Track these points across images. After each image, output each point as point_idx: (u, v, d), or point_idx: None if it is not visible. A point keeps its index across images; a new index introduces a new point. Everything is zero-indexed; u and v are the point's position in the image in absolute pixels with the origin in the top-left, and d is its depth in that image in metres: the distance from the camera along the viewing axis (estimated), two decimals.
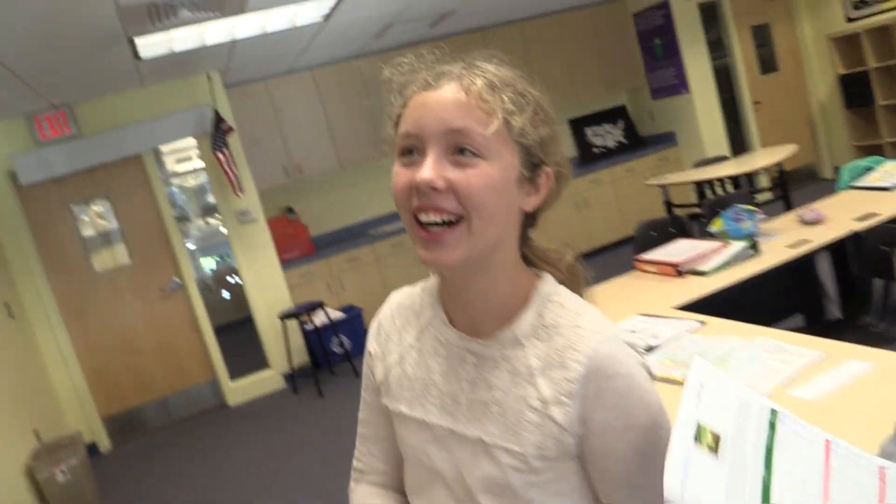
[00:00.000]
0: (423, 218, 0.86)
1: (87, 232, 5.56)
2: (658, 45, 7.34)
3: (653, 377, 0.89)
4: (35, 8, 3.15)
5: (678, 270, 2.89)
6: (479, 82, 0.87)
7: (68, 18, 3.40)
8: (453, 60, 0.92)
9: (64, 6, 3.22)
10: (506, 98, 0.86)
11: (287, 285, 5.96)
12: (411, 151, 0.88)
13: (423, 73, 0.92)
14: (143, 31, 3.90)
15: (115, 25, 3.66)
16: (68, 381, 5.33)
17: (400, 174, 0.89)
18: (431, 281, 1.06)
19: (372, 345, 1.10)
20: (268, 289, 5.87)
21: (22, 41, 3.53)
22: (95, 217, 5.58)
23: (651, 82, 7.60)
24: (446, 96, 0.87)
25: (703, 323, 2.29)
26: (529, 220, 0.96)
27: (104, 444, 5.47)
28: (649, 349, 2.16)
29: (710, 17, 7.32)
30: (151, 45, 4.20)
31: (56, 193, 5.34)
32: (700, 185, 6.06)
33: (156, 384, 5.67)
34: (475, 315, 0.95)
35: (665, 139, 7.59)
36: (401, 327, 1.06)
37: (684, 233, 3.76)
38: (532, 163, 0.89)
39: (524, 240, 0.97)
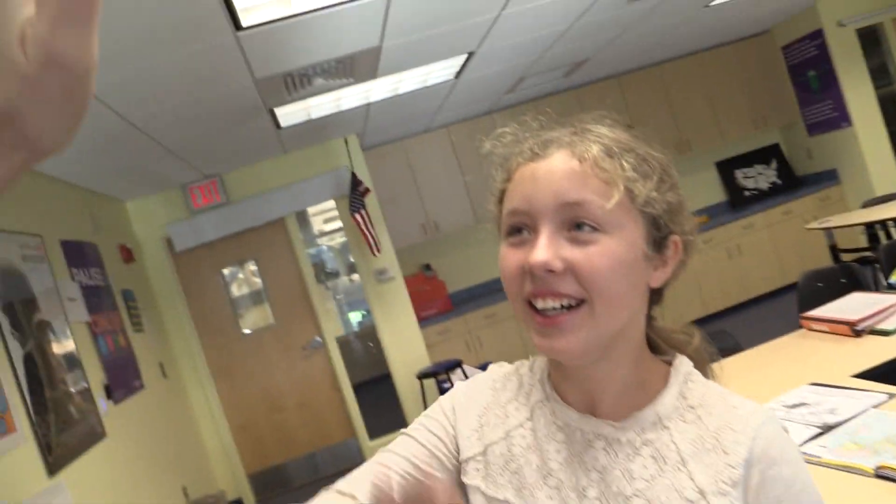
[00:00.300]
0: (540, 305, 0.75)
1: (235, 293, 5.82)
2: (813, 78, 6.80)
3: None
4: (183, 89, 3.35)
5: (855, 330, 2.51)
6: (595, 148, 0.77)
7: (213, 94, 3.58)
8: (560, 125, 0.83)
9: (208, 84, 3.40)
10: (626, 164, 0.77)
11: (425, 343, 5.91)
12: (520, 230, 0.79)
13: (529, 141, 0.82)
14: (282, 102, 4.06)
15: (255, 98, 3.82)
16: (216, 438, 5.53)
17: (509, 257, 0.79)
18: (538, 360, 0.92)
19: (463, 411, 0.90)
20: (406, 347, 5.85)
21: (174, 120, 3.76)
22: (250, 275, 5.85)
23: (807, 117, 7.04)
24: (557, 166, 0.77)
25: (891, 395, 1.94)
26: (655, 296, 0.85)
27: (249, 500, 5.59)
28: (826, 428, 1.84)
29: (871, 43, 6.71)
30: (290, 114, 4.36)
31: (206, 258, 5.64)
32: (871, 228, 5.46)
33: (298, 441, 5.76)
34: (598, 397, 0.82)
35: (826, 178, 6.96)
36: (506, 402, 0.90)
37: (857, 284, 3.32)
38: (659, 234, 0.79)
39: (648, 320, 0.86)
